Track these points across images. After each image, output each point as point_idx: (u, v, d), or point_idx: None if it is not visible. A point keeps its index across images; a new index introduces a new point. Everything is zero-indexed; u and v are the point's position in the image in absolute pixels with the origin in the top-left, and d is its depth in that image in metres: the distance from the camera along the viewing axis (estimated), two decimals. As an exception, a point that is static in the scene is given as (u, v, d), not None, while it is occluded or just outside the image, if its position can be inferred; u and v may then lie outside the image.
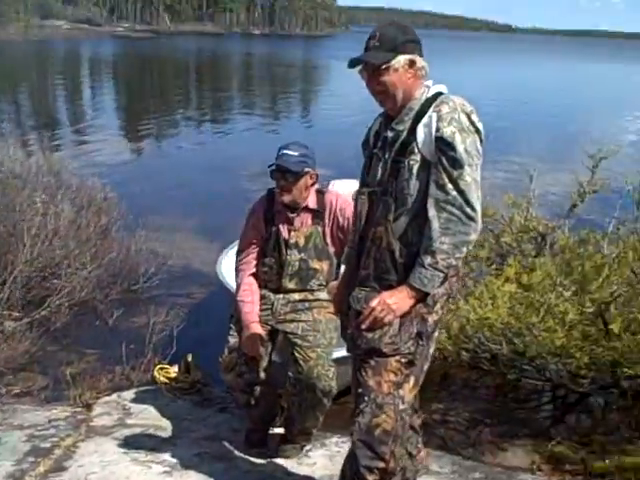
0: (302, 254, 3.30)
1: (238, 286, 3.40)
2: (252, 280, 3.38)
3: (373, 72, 2.33)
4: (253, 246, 3.40)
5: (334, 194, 3.39)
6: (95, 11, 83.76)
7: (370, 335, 2.36)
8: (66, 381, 4.05)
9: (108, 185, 7.39)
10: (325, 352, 3.23)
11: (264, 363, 3.31)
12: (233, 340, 3.33)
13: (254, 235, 3.40)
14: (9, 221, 5.02)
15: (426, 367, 2.51)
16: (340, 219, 3.29)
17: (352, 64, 2.37)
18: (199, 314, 5.62)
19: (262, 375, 3.32)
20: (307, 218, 3.33)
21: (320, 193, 3.37)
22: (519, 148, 15.21)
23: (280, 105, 23.31)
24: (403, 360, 2.37)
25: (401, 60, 2.30)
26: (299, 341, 3.24)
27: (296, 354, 3.23)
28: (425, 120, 2.26)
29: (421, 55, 2.36)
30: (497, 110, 20.23)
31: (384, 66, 2.30)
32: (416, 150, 2.27)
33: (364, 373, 2.39)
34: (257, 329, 3.22)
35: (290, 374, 3.27)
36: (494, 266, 5.33)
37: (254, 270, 3.40)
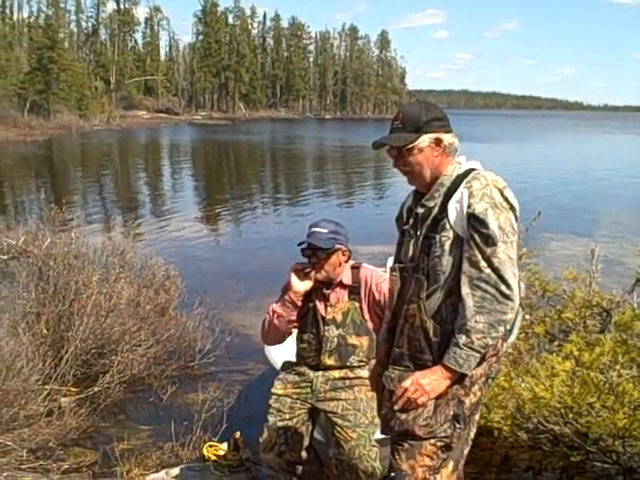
0: (340, 330, 3.28)
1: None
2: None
3: (399, 153, 2.34)
4: None
5: (369, 270, 3.39)
6: (174, 101, 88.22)
7: (403, 416, 2.29)
8: (115, 457, 4.07)
9: (172, 264, 7.58)
10: (367, 432, 3.16)
11: (305, 442, 3.26)
12: (272, 419, 3.30)
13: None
14: (67, 300, 5.18)
15: (466, 451, 2.41)
16: (376, 294, 3.27)
17: (376, 146, 2.39)
18: (251, 392, 5.60)
19: (303, 454, 3.26)
20: (343, 294, 3.32)
21: (355, 269, 3.38)
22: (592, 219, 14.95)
23: (352, 185, 23.55)
24: (439, 444, 2.28)
25: (426, 140, 2.30)
26: (339, 421, 3.18)
27: (337, 434, 3.17)
28: (457, 196, 2.24)
29: (449, 131, 2.35)
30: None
31: (409, 146, 2.30)
32: (448, 226, 2.24)
33: (397, 456, 2.32)
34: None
35: (331, 454, 3.20)
36: (556, 342, 5.15)
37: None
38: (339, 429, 3.17)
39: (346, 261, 3.34)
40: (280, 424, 3.28)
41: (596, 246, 5.72)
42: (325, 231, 3.27)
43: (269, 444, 3.27)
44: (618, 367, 3.86)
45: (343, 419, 3.19)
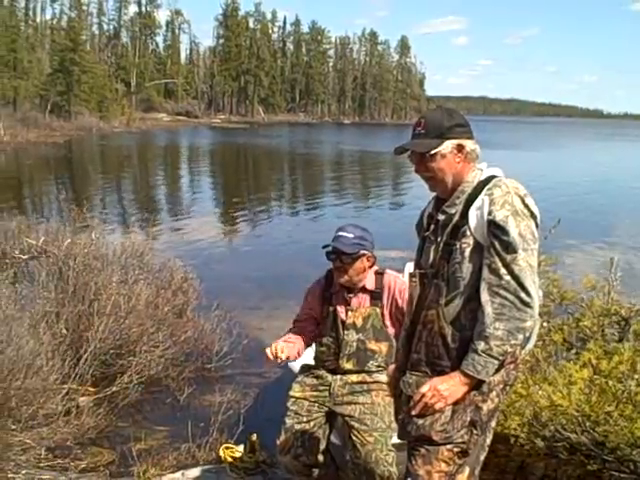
0: (360, 335, 3.29)
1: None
2: (300, 336, 3.40)
3: (421, 159, 2.34)
4: (308, 319, 3.43)
5: (393, 276, 3.40)
6: (194, 104, 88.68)
7: (420, 422, 2.29)
8: (132, 457, 4.10)
9: (190, 266, 7.64)
10: (383, 436, 3.16)
11: (321, 446, 3.27)
12: (290, 422, 3.31)
13: (310, 314, 3.43)
14: (87, 300, 5.23)
15: (482, 457, 2.41)
16: (399, 301, 3.28)
17: (398, 152, 2.40)
18: (267, 394, 5.60)
19: (320, 458, 3.27)
20: (365, 299, 3.33)
21: (378, 274, 3.38)
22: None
23: (371, 190, 23.51)
24: (456, 449, 2.28)
25: (449, 146, 2.31)
26: (356, 424, 3.19)
27: (354, 438, 3.18)
28: (477, 203, 2.24)
29: (470, 138, 2.36)
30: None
31: (431, 152, 2.31)
32: (468, 233, 2.24)
33: (414, 461, 2.32)
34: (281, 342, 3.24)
35: (348, 458, 3.21)
36: (574, 350, 5.12)
37: (305, 335, 3.42)
38: (356, 433, 3.18)
39: (370, 267, 3.34)
40: (297, 427, 3.29)
41: (615, 254, 5.70)
42: (351, 236, 3.28)
43: (286, 446, 3.28)
44: (637, 376, 3.84)
45: (360, 423, 3.19)
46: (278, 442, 3.31)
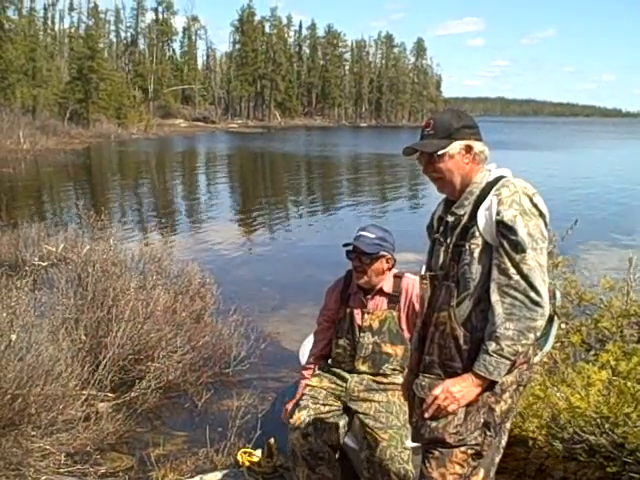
0: (375, 337, 3.30)
1: (308, 358, 3.55)
2: (317, 360, 3.49)
3: (429, 159, 2.35)
4: (327, 325, 3.46)
5: (411, 279, 3.39)
6: (211, 109, 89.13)
7: (434, 424, 2.30)
8: (151, 462, 4.13)
9: (208, 271, 7.67)
10: (398, 434, 3.15)
11: (332, 437, 3.27)
12: (304, 402, 3.36)
13: (329, 315, 3.45)
14: (105, 306, 5.28)
15: (497, 459, 2.41)
16: (416, 305, 3.26)
17: (407, 152, 2.41)
18: (285, 399, 5.57)
19: (328, 451, 3.26)
20: (382, 302, 3.33)
21: (397, 277, 3.38)
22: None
23: (388, 194, 23.40)
24: (470, 451, 2.28)
25: (457, 146, 2.31)
26: (371, 422, 3.19)
27: (368, 436, 3.18)
28: (486, 204, 2.24)
29: (479, 139, 2.36)
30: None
31: (440, 152, 2.31)
32: (477, 234, 2.25)
33: (428, 464, 2.32)
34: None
35: (362, 457, 3.20)
36: (592, 352, 5.08)
37: (323, 350, 3.46)
38: (370, 430, 3.18)
39: (390, 269, 3.35)
40: (312, 406, 3.31)
41: (633, 254, 5.63)
42: (372, 236, 3.29)
43: (297, 422, 3.28)
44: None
45: (375, 420, 3.20)
46: (291, 420, 3.32)
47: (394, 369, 3.31)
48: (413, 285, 3.33)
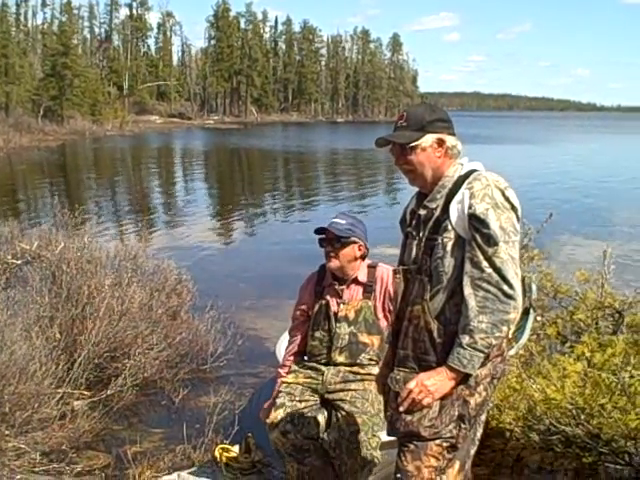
0: (352, 327, 3.31)
1: (284, 356, 3.56)
2: (294, 357, 3.50)
3: (401, 151, 2.35)
4: (302, 320, 3.46)
5: (385, 268, 3.41)
6: (187, 105, 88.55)
7: (409, 418, 2.30)
8: (127, 460, 4.10)
9: (184, 268, 7.63)
10: (371, 421, 3.17)
11: (311, 430, 3.27)
12: (281, 400, 3.35)
13: (304, 310, 3.46)
14: (80, 304, 5.23)
15: (473, 451, 2.42)
16: (392, 293, 3.28)
17: (380, 144, 2.41)
18: (262, 394, 5.51)
19: (309, 443, 3.26)
20: (357, 291, 3.34)
21: (371, 267, 3.40)
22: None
23: (365, 189, 23.38)
24: (445, 444, 2.29)
25: (429, 139, 2.32)
26: (347, 406, 3.21)
27: (340, 418, 3.18)
28: (458, 197, 2.25)
29: (452, 134, 2.37)
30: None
31: (412, 144, 2.32)
32: (450, 227, 2.25)
33: (403, 457, 2.33)
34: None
35: (331, 437, 3.20)
36: (568, 344, 5.14)
37: (299, 346, 3.46)
38: (344, 413, 3.19)
39: (362, 257, 3.36)
40: (289, 404, 3.31)
41: (608, 247, 5.69)
42: (343, 222, 3.33)
43: (275, 421, 3.28)
44: (630, 368, 3.85)
45: (351, 405, 3.21)
46: (268, 419, 3.32)
47: (370, 359, 3.32)
48: (388, 274, 3.35)
